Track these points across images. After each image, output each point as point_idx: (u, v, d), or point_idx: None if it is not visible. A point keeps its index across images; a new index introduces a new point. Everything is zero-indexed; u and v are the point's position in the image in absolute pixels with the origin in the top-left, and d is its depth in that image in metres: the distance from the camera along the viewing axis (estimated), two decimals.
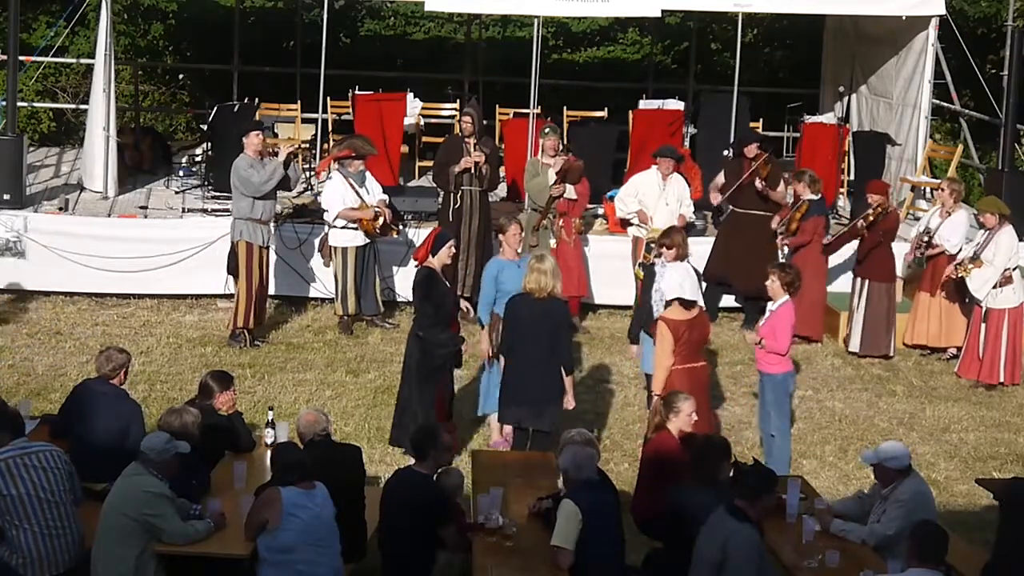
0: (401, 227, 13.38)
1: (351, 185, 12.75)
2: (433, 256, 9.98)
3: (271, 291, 13.53)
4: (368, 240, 12.90)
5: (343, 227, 12.77)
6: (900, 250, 13.52)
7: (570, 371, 9.85)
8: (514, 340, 9.76)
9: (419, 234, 13.60)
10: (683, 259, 10.57)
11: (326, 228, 13.00)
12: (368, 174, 13.02)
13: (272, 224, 12.76)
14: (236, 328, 12.46)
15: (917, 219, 14.37)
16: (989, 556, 7.83)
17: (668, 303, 9.87)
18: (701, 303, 9.98)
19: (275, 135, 16.73)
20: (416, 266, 10.17)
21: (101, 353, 8.97)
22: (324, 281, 13.44)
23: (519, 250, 10.60)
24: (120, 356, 8.87)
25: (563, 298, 10.05)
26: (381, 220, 12.77)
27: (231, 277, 12.52)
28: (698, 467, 7.97)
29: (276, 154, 12.43)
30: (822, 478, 10.37)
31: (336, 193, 12.79)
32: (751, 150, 13.40)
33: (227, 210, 13.63)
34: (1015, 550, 7.51)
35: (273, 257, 13.46)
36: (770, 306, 10.26)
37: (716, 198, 13.67)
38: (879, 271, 12.98)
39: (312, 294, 13.69)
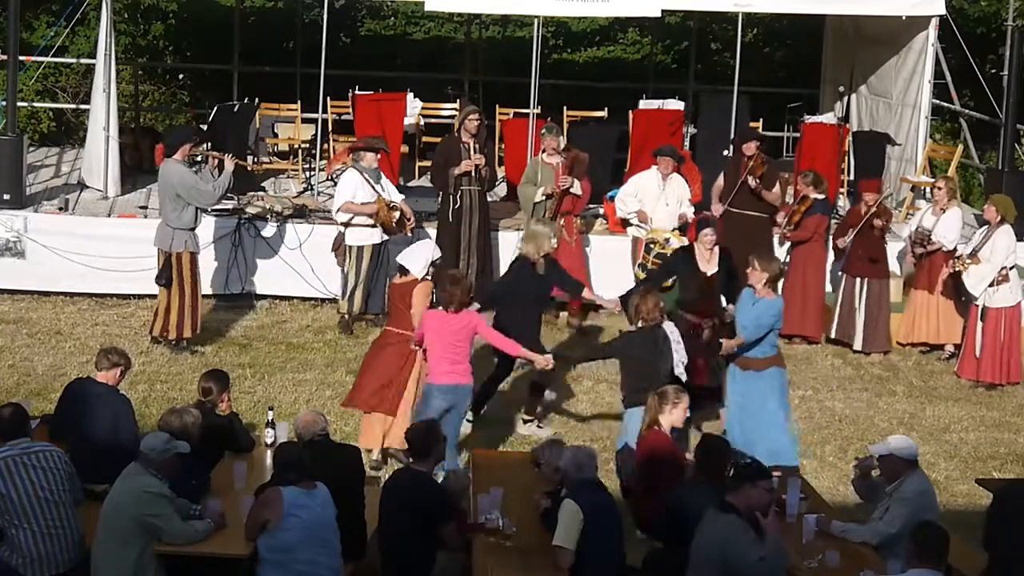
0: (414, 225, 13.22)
1: (367, 180, 12.62)
2: None
3: (271, 291, 13.61)
4: (386, 236, 12.67)
5: (353, 223, 12.55)
6: (893, 249, 13.57)
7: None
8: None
9: (419, 234, 13.59)
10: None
11: (341, 228, 12.71)
12: (383, 175, 12.94)
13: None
14: (181, 338, 11.94)
15: None
16: (986, 560, 7.79)
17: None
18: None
19: (275, 135, 16.77)
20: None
21: (101, 350, 8.99)
22: (324, 281, 13.43)
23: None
24: (116, 355, 8.87)
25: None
26: (398, 213, 12.59)
27: (164, 288, 11.80)
28: (706, 467, 7.96)
29: (208, 160, 12.22)
30: (822, 478, 10.35)
31: (349, 187, 12.57)
32: (749, 148, 13.38)
33: (228, 210, 13.63)
34: (1013, 553, 7.49)
35: (274, 257, 13.50)
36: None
37: (718, 209, 13.59)
38: (875, 268, 13.04)
39: (312, 294, 13.67)
